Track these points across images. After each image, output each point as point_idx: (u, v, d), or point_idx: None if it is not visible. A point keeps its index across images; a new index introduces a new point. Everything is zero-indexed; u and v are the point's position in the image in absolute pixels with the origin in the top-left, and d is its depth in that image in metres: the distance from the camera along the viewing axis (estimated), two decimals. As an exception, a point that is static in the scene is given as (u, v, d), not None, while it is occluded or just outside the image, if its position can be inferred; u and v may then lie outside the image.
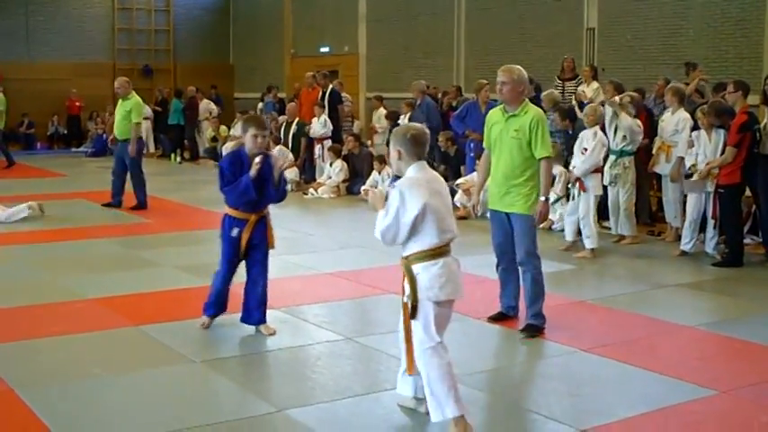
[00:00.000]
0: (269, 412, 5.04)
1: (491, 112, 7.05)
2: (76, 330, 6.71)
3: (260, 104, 20.72)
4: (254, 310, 6.63)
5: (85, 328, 6.79)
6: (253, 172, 6.28)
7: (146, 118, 19.13)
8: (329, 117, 16.16)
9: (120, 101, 13.32)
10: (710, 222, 9.46)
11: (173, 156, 21.63)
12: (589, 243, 9.70)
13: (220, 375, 5.71)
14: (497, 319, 7.02)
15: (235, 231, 6.48)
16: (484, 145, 7.14)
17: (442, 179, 4.90)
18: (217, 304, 6.72)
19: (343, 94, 17.67)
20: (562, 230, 10.48)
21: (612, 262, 9.61)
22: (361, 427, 4.78)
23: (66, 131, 25.09)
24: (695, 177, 9.44)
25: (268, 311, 6.64)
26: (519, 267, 6.84)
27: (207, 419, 4.92)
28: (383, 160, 14.00)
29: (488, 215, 7.07)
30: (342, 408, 5.03)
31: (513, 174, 6.66)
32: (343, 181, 14.85)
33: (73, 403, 5.20)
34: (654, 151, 10.48)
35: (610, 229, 10.56)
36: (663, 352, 6.32)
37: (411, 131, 4.75)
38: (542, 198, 6.74)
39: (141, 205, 13.11)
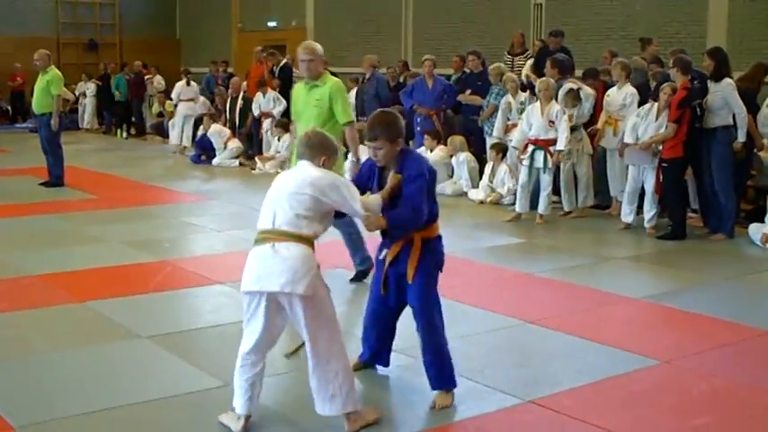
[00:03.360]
0: (217, 386, 5.02)
1: (296, 87, 7.58)
2: (20, 307, 6.62)
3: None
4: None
5: (30, 304, 6.69)
6: None
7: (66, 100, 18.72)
8: (282, 93, 15.95)
9: (39, 74, 12.91)
10: (648, 197, 9.55)
11: (119, 131, 21.33)
12: (545, 210, 10.17)
13: (167, 350, 5.67)
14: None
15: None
16: (293, 118, 7.50)
17: (297, 173, 4.43)
18: None
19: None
20: (511, 204, 10.63)
21: (558, 235, 9.71)
22: (310, 398, 4.78)
23: (8, 107, 24.59)
24: (637, 147, 9.52)
25: (211, 287, 6.52)
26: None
27: (154, 394, 4.90)
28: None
29: None
30: (289, 380, 5.03)
31: None
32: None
33: (16, 380, 5.13)
34: (599, 125, 10.56)
35: (559, 203, 10.66)
36: (607, 323, 6.40)
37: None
38: (354, 159, 7.49)
39: (57, 181, 12.76)
